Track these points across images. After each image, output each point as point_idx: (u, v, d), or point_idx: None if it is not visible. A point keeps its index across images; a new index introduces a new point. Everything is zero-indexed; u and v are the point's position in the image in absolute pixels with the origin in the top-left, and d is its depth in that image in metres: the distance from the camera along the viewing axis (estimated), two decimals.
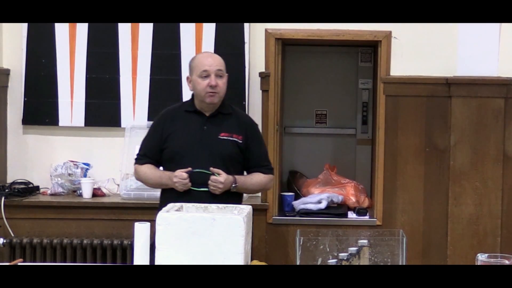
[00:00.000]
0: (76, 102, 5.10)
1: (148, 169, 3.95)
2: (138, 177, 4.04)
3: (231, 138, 3.88)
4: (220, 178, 3.78)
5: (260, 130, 4.92)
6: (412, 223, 4.87)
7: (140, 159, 3.99)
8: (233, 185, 3.82)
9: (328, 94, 5.59)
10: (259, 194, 4.96)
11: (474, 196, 4.83)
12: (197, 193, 3.78)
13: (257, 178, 3.96)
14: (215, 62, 3.89)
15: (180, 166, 3.83)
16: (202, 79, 3.84)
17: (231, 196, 3.82)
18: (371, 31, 4.86)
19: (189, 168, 3.79)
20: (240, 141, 3.89)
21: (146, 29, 5.06)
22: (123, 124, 5.06)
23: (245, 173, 4.02)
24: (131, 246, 4.50)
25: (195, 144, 3.85)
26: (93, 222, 4.89)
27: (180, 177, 3.78)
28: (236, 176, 3.85)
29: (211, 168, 3.78)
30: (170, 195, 3.81)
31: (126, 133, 5.01)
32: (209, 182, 3.77)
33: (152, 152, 3.95)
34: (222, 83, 3.87)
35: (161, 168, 3.99)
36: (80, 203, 4.88)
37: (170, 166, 3.89)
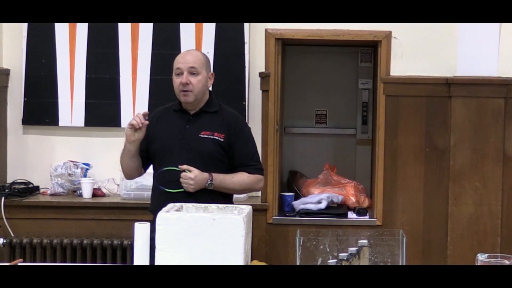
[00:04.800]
0: (76, 102, 5.10)
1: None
2: (121, 168, 3.96)
3: (212, 137, 3.75)
4: (190, 174, 3.65)
5: (260, 130, 4.94)
6: (412, 223, 4.87)
7: None
8: (209, 182, 3.69)
9: (328, 94, 5.60)
10: (259, 194, 4.97)
11: (474, 196, 4.83)
12: (174, 195, 3.65)
13: (240, 177, 3.79)
14: (189, 59, 3.77)
15: (161, 165, 3.76)
16: (176, 77, 3.76)
17: (217, 197, 3.69)
18: (371, 31, 4.86)
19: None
20: (222, 140, 3.75)
21: (146, 29, 5.06)
22: (123, 124, 5.04)
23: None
24: (131, 246, 4.50)
25: (176, 143, 3.76)
26: (93, 222, 4.89)
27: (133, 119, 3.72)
28: (213, 174, 3.71)
29: (180, 166, 3.67)
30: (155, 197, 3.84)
31: None
32: (181, 179, 3.66)
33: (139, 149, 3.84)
34: (196, 80, 3.74)
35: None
36: (80, 203, 4.88)
37: (154, 166, 3.86)
